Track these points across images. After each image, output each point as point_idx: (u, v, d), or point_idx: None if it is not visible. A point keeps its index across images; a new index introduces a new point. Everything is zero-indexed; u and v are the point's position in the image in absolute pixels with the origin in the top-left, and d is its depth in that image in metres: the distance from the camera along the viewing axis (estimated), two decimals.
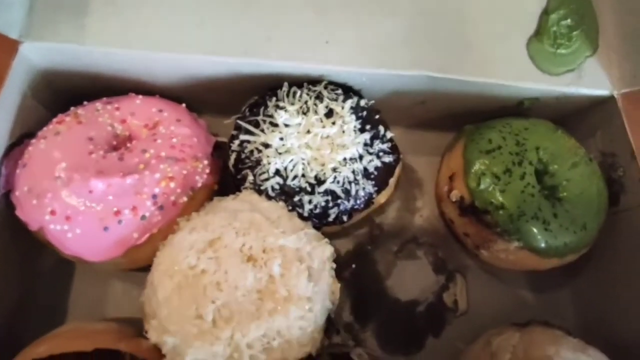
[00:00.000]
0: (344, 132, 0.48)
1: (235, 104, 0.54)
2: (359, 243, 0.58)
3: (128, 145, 0.46)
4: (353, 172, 0.48)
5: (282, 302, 0.40)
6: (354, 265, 0.57)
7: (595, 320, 0.57)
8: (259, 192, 0.47)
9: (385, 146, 0.50)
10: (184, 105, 0.52)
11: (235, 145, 0.49)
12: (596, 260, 0.58)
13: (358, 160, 0.48)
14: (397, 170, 0.53)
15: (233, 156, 0.49)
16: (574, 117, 0.60)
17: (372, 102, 0.53)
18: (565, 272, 0.61)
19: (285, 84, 0.50)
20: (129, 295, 0.52)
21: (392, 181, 0.52)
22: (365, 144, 0.49)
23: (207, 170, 0.48)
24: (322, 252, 0.45)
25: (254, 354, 0.39)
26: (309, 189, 0.47)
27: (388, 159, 0.50)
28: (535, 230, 0.49)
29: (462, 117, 0.59)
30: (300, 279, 0.42)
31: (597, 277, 0.57)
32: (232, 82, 0.51)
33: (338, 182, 0.47)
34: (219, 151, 0.52)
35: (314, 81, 0.51)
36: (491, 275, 0.60)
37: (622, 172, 0.54)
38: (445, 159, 0.58)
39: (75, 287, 0.53)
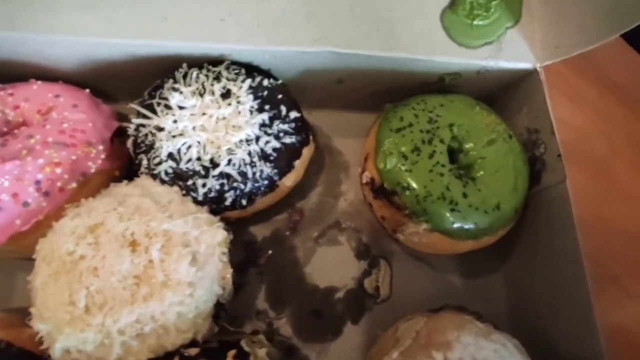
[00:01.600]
0: (239, 112, 0.47)
1: (146, 88, 0.52)
2: (278, 229, 0.57)
3: (15, 131, 0.45)
4: (249, 154, 0.46)
5: (158, 288, 0.39)
6: (270, 252, 0.56)
7: (523, 303, 0.55)
8: (154, 176, 0.46)
9: (286, 127, 0.48)
10: (87, 90, 0.51)
11: (131, 129, 0.48)
12: (523, 242, 0.55)
13: (254, 141, 0.47)
14: (306, 153, 0.51)
15: (130, 141, 0.48)
16: (502, 93, 0.58)
17: (280, 82, 0.51)
18: (497, 256, 0.59)
19: (184, 65, 0.49)
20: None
21: (298, 163, 0.50)
22: (264, 125, 0.47)
23: (103, 156, 0.47)
24: (211, 237, 0.44)
25: (126, 340, 0.38)
26: (202, 172, 0.46)
27: (290, 140, 0.48)
28: (442, 211, 0.46)
29: (386, 96, 0.56)
30: (181, 264, 0.40)
31: (525, 259, 0.55)
32: (132, 66, 0.50)
33: (234, 164, 0.46)
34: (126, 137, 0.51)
35: (215, 62, 0.50)
36: (419, 260, 0.58)
37: (543, 149, 0.52)
38: (365, 140, 0.56)
39: None
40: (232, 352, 0.40)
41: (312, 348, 0.53)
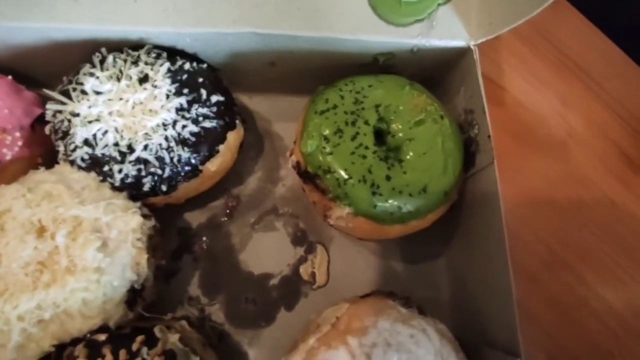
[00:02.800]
0: (155, 97, 0.46)
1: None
2: (214, 215, 0.56)
3: None
4: (166, 138, 0.45)
5: (61, 274, 0.39)
6: (204, 238, 0.55)
7: (463, 288, 0.54)
8: (71, 163, 0.46)
9: (207, 111, 0.47)
10: (9, 77, 0.50)
11: (49, 115, 0.47)
12: (461, 226, 0.54)
13: (171, 126, 0.46)
14: (233, 137, 0.50)
15: (48, 128, 0.48)
16: (441, 74, 0.56)
17: (205, 65, 0.50)
18: (439, 241, 0.58)
19: (103, 49, 0.48)
20: None
21: (223, 148, 0.49)
22: (181, 109, 0.46)
23: (20, 143, 0.46)
24: (124, 223, 0.43)
25: (26, 327, 0.38)
26: (119, 158, 0.45)
27: (211, 124, 0.47)
28: (363, 194, 0.45)
29: (323, 79, 0.55)
30: (87, 250, 0.40)
31: (463, 244, 0.54)
32: (53, 50, 0.49)
33: (150, 149, 0.45)
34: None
35: (136, 46, 0.49)
36: (359, 246, 0.57)
37: (477, 130, 0.50)
38: None
39: None
40: (140, 338, 0.40)
41: (244, 334, 0.52)
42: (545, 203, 0.65)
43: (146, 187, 0.46)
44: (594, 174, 0.67)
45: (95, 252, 0.40)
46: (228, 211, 0.56)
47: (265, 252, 0.55)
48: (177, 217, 0.56)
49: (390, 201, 0.46)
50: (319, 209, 0.51)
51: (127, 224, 0.43)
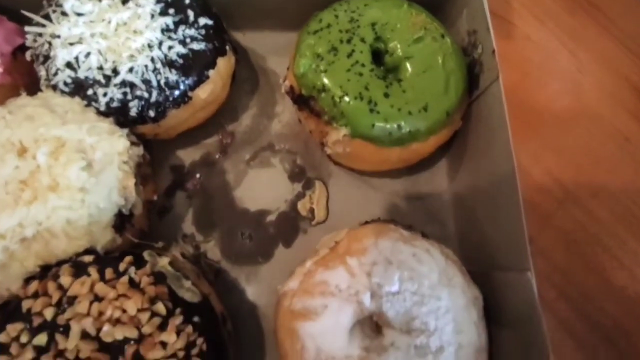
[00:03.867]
0: (139, 16, 0.43)
1: None
2: (208, 152, 0.54)
3: None
4: (152, 60, 0.43)
5: (42, 191, 0.37)
6: (198, 175, 0.53)
7: (469, 222, 0.51)
8: (53, 88, 0.44)
9: (195, 32, 0.45)
10: None
11: (29, 41, 0.45)
12: (467, 156, 0.51)
13: (157, 47, 0.44)
14: (224, 64, 0.48)
15: (28, 53, 0.46)
16: None
17: None
18: (443, 176, 0.55)
19: None
20: None
21: (213, 74, 0.47)
22: (167, 30, 0.44)
23: (0, 70, 0.45)
24: (110, 145, 0.41)
25: (8, 245, 0.36)
26: (103, 81, 0.43)
27: (199, 46, 0.45)
28: (359, 111, 0.43)
29: (318, 8, 0.52)
30: (69, 168, 0.38)
31: (469, 175, 0.51)
32: None
33: (135, 72, 0.43)
34: None
35: None
36: (360, 182, 0.55)
37: (481, 50, 0.47)
38: None
39: None
40: (127, 258, 0.38)
41: (241, 271, 0.50)
42: (556, 140, 0.62)
43: (133, 112, 0.44)
44: (605, 109, 0.64)
45: (79, 171, 0.38)
46: (222, 148, 0.54)
47: (262, 189, 0.53)
48: (170, 154, 0.54)
49: (389, 120, 0.43)
50: (316, 137, 0.49)
51: (113, 146, 0.41)
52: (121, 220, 0.42)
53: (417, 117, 0.44)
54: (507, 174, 0.41)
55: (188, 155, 0.54)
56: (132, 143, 0.44)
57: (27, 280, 0.38)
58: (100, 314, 0.35)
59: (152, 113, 0.45)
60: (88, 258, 0.38)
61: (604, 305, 0.55)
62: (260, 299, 0.50)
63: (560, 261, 0.57)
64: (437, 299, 0.38)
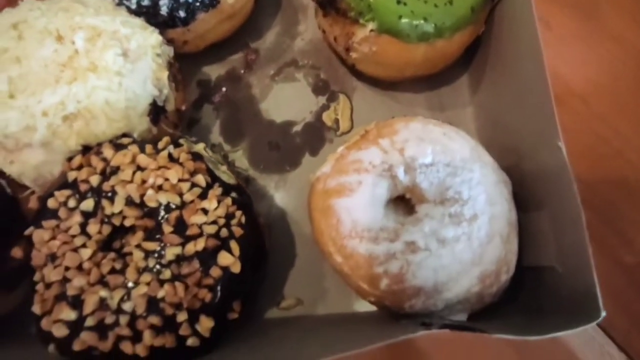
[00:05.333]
0: None
1: None
2: (232, 68, 0.55)
3: None
4: None
5: (82, 71, 0.38)
6: (224, 89, 0.54)
7: (493, 134, 0.52)
8: None
9: None
10: None
11: None
12: (491, 66, 0.52)
13: None
14: None
15: None
16: None
17: None
18: (466, 88, 0.56)
19: None
20: None
21: None
22: None
23: None
24: (143, 38, 0.42)
25: (51, 122, 0.37)
26: None
27: None
28: (386, 3, 0.44)
29: None
30: (107, 53, 0.39)
31: (493, 86, 0.51)
32: None
33: None
34: None
35: None
36: (384, 96, 0.55)
37: None
38: None
39: None
40: (165, 138, 0.39)
41: (270, 178, 0.51)
42: (577, 58, 0.62)
43: (163, 11, 0.45)
44: (626, 30, 0.64)
45: (115, 56, 0.40)
46: (247, 64, 0.55)
47: (287, 101, 0.54)
48: (197, 69, 0.55)
49: (415, 12, 0.44)
50: (341, 43, 0.49)
51: (147, 39, 0.42)
52: (156, 111, 0.43)
53: (442, 11, 0.44)
54: (537, 78, 0.41)
55: (214, 71, 0.55)
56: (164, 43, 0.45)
57: (69, 161, 0.39)
58: (143, 181, 0.36)
59: (181, 13, 0.46)
60: (127, 140, 0.39)
61: (627, 214, 0.55)
62: (289, 204, 0.51)
63: (582, 172, 0.57)
64: (469, 170, 0.39)
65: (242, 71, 0.55)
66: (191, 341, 0.35)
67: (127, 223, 0.36)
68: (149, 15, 0.45)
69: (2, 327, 0.42)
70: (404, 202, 0.41)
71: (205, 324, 0.35)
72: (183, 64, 0.53)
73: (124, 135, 0.40)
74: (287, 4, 0.58)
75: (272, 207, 0.50)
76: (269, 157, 0.52)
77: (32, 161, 0.39)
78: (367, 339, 0.34)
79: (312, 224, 0.42)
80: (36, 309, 0.34)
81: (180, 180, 0.36)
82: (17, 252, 0.37)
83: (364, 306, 0.48)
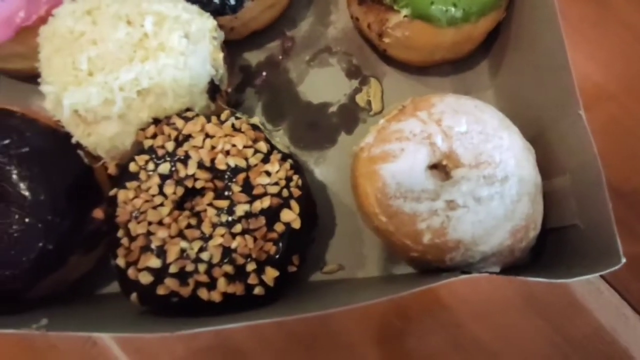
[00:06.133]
0: None
1: None
2: (271, 54, 0.59)
3: None
4: None
5: (153, 51, 0.43)
6: (264, 73, 0.58)
7: (513, 115, 0.56)
8: None
9: None
10: None
11: None
12: (512, 49, 0.56)
13: None
14: None
15: None
16: None
17: None
18: (487, 73, 0.60)
19: None
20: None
21: None
22: None
23: None
24: (202, 22, 0.47)
25: (128, 96, 0.42)
26: None
27: None
28: None
29: None
30: (173, 35, 0.43)
31: (514, 70, 0.56)
32: None
33: None
34: None
35: None
36: (411, 80, 0.60)
37: None
38: None
39: None
40: (227, 112, 0.44)
41: (310, 155, 0.56)
42: (590, 43, 0.66)
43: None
44: (635, 16, 0.68)
45: (180, 38, 0.44)
46: (284, 50, 0.59)
47: (322, 85, 0.59)
48: (238, 56, 0.59)
49: None
50: (375, 29, 0.54)
51: (204, 23, 0.47)
52: (213, 89, 0.47)
53: None
54: (557, 54, 0.45)
55: (254, 57, 0.59)
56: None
57: (143, 131, 0.43)
58: (213, 147, 0.40)
59: (232, 1, 0.50)
60: (191, 113, 0.44)
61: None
62: (328, 178, 0.55)
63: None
64: (499, 138, 0.43)
65: (280, 57, 0.59)
66: (257, 290, 0.39)
67: (197, 185, 0.40)
68: (202, 3, 0.49)
69: (77, 287, 0.46)
70: (438, 170, 0.46)
71: (271, 274, 0.39)
72: (227, 50, 0.57)
73: (187, 109, 0.44)
74: None
75: (313, 181, 0.54)
76: (308, 135, 0.56)
77: (108, 133, 0.43)
78: (412, 285, 0.39)
79: (357, 189, 0.46)
80: (120, 262, 0.39)
81: (245, 147, 0.40)
82: (98, 213, 0.42)
83: (401, 270, 0.53)
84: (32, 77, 0.54)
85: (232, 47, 0.58)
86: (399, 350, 0.51)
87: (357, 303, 0.37)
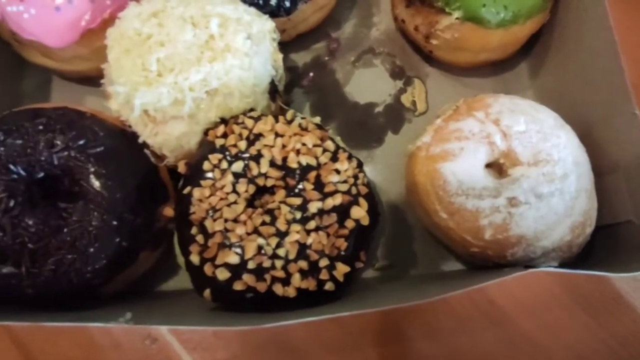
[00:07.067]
0: None
1: None
2: (317, 56, 0.61)
3: None
4: None
5: (220, 52, 0.43)
6: (311, 74, 0.59)
7: (557, 110, 0.57)
8: None
9: None
10: None
11: None
12: (555, 51, 0.58)
13: None
14: None
15: None
16: None
17: None
18: (527, 74, 0.62)
19: None
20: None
21: None
22: None
23: None
24: (262, 23, 0.48)
25: (197, 96, 0.43)
26: None
27: None
28: None
29: None
30: (238, 36, 0.44)
31: (557, 69, 0.57)
32: None
33: None
34: None
35: None
36: (452, 79, 0.61)
37: None
38: None
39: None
40: (291, 112, 0.45)
41: (359, 154, 0.55)
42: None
43: (273, 1, 0.50)
44: None
45: (244, 39, 0.45)
46: (330, 52, 0.61)
47: (368, 85, 0.60)
48: (285, 57, 0.59)
49: (496, 0, 0.50)
50: (423, 31, 0.55)
51: (264, 25, 0.48)
52: (273, 89, 0.48)
53: None
54: (607, 54, 0.47)
55: (300, 58, 0.60)
56: None
57: (205, 133, 0.44)
58: (284, 146, 0.41)
59: (287, 3, 0.51)
60: (256, 113, 0.45)
61: None
62: (377, 177, 0.56)
63: None
64: (557, 136, 0.44)
65: (326, 58, 0.60)
66: (328, 285, 0.40)
67: (268, 183, 0.41)
68: (259, 6, 0.50)
69: (140, 283, 0.47)
70: (493, 168, 0.47)
71: (341, 270, 0.40)
72: None
73: (251, 109, 0.45)
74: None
75: None
76: (356, 135, 0.57)
77: (175, 132, 0.44)
78: (478, 280, 0.40)
79: (416, 187, 0.47)
80: (194, 258, 0.40)
81: (314, 145, 0.41)
82: (168, 211, 0.43)
83: (450, 267, 0.54)
84: (86, 79, 0.56)
85: (280, 48, 0.59)
86: (451, 348, 0.52)
87: (428, 298, 0.38)
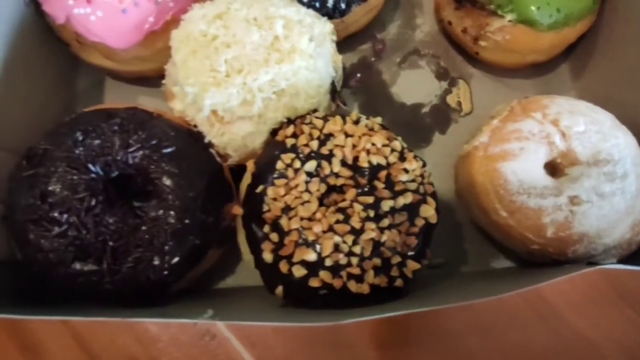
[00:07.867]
0: None
1: None
2: (363, 57, 0.61)
3: None
4: None
5: (287, 53, 0.44)
6: (359, 75, 0.60)
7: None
8: None
9: None
10: None
11: None
12: (600, 53, 0.59)
13: None
14: None
15: None
16: None
17: None
18: (569, 75, 0.63)
19: None
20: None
21: None
22: None
23: None
24: (322, 26, 0.48)
25: (266, 96, 0.43)
26: None
27: None
28: None
29: None
30: (303, 38, 0.45)
31: (603, 70, 0.58)
32: None
33: None
34: None
35: None
36: (496, 80, 0.62)
37: None
38: None
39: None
40: (355, 113, 0.45)
41: None
42: None
43: (330, 3, 0.51)
44: None
45: (308, 41, 0.46)
46: (376, 53, 0.61)
47: (414, 86, 0.61)
48: None
49: (550, 3, 0.51)
50: (471, 33, 0.56)
51: (324, 26, 0.49)
52: (333, 90, 0.49)
53: (572, 1, 0.51)
54: None
55: (347, 59, 0.61)
56: None
57: (272, 134, 0.45)
58: (354, 146, 0.42)
59: (343, 5, 0.52)
60: (321, 113, 0.45)
61: None
62: None
63: None
64: (615, 137, 0.45)
65: (372, 59, 0.61)
66: (398, 282, 0.41)
67: (339, 182, 0.42)
68: (316, 8, 0.51)
69: (202, 280, 0.48)
70: (551, 167, 0.48)
71: (412, 267, 0.41)
72: None
73: (315, 110, 0.46)
74: (405, 1, 0.65)
75: None
76: (404, 135, 0.56)
77: (242, 132, 0.45)
78: (537, 280, 0.41)
79: (474, 186, 0.48)
80: (267, 256, 0.40)
81: (383, 145, 0.42)
82: (237, 210, 0.43)
83: (501, 264, 0.55)
84: (140, 79, 0.56)
85: None
86: (501, 343, 0.53)
87: (496, 295, 0.39)
